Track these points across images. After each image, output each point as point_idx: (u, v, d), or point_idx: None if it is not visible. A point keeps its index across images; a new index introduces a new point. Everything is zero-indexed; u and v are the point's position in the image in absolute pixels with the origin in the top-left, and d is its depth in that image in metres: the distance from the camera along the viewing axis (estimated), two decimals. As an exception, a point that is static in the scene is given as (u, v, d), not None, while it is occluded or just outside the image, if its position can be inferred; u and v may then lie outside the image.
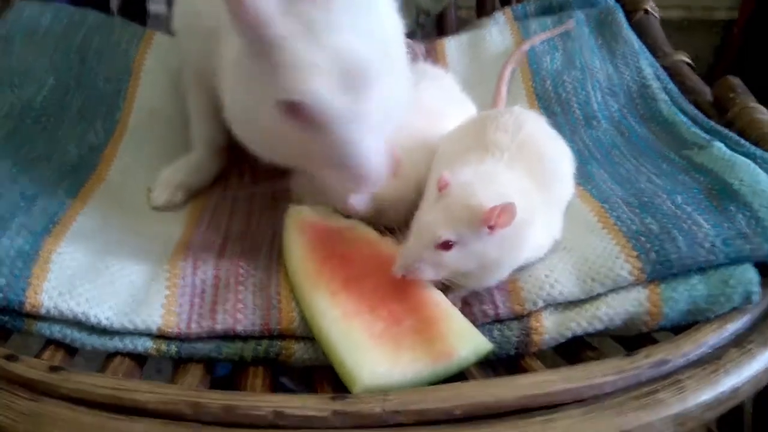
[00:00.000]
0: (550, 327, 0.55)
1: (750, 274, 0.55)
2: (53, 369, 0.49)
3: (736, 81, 0.78)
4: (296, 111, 0.50)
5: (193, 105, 0.76)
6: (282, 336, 0.55)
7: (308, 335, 0.54)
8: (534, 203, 0.56)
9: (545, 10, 0.95)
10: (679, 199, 0.61)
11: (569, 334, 0.55)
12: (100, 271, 0.56)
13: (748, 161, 0.63)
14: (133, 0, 1.00)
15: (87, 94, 0.76)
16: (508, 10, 0.96)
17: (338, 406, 0.47)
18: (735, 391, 0.51)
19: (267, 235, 0.65)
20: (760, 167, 0.62)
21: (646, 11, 0.94)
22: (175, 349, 0.54)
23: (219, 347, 0.54)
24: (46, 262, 0.54)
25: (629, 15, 0.92)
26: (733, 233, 0.56)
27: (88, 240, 0.59)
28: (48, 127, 0.70)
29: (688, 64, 0.86)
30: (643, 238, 0.56)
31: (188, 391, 0.48)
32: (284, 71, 0.49)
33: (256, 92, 0.53)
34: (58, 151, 0.69)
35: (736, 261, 0.55)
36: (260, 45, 0.49)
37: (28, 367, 0.49)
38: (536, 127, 0.64)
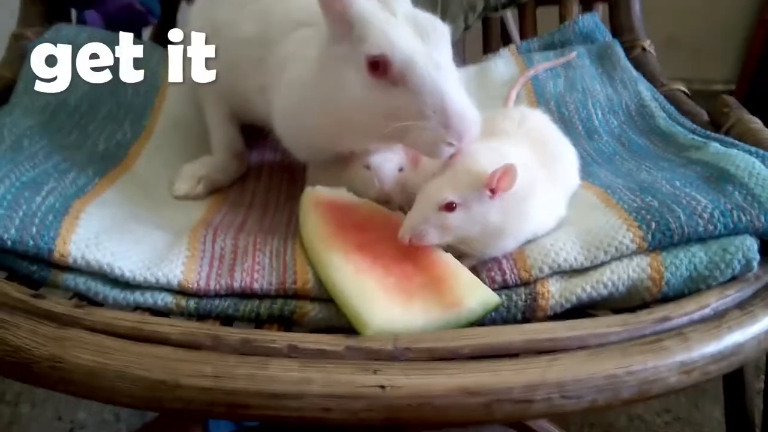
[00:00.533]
0: (555, 292, 0.56)
1: (749, 242, 0.57)
2: (78, 306, 0.51)
3: (730, 98, 0.82)
4: (385, 66, 0.56)
5: (211, 114, 0.81)
6: (297, 296, 0.56)
7: (322, 296, 0.56)
8: (536, 177, 0.59)
9: (547, 47, 1.01)
10: (677, 183, 0.63)
11: (574, 299, 0.56)
12: (125, 232, 0.58)
13: (744, 153, 0.66)
14: (162, 32, 1.06)
15: (117, 101, 0.80)
16: (512, 46, 1.02)
17: (351, 342, 0.49)
18: (739, 346, 0.53)
19: (284, 218, 0.69)
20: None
21: (644, 48, 1.00)
22: (194, 305, 0.55)
23: (236, 304, 0.56)
24: (75, 218, 0.57)
25: (627, 52, 0.97)
26: (730, 206, 0.58)
27: (114, 209, 0.62)
28: (81, 122, 0.75)
29: (683, 92, 0.91)
30: (644, 212, 0.59)
31: (208, 325, 0.50)
32: (368, 35, 0.56)
33: (339, 72, 0.58)
34: (88, 142, 0.73)
35: (734, 231, 0.58)
36: (346, 25, 0.57)
37: (54, 303, 0.51)
38: (541, 119, 0.68)
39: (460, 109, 0.56)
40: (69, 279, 0.55)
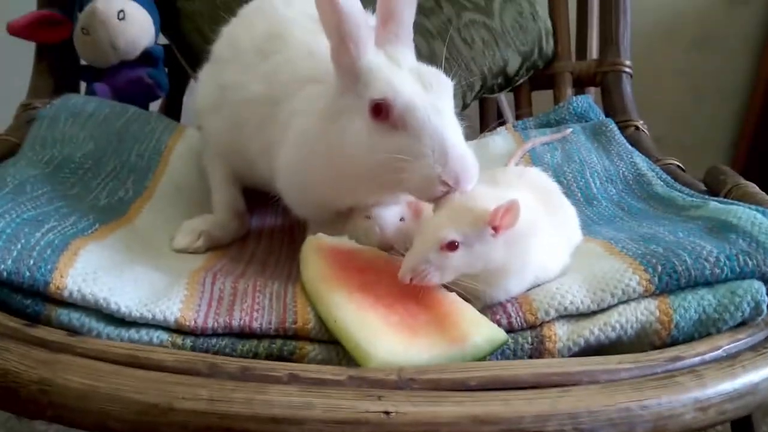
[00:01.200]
0: (563, 335, 0.55)
1: (757, 285, 0.57)
2: (71, 335, 0.49)
3: (724, 167, 0.84)
4: (387, 110, 0.57)
5: (213, 174, 0.83)
6: (297, 336, 0.55)
7: (323, 338, 0.54)
8: (539, 218, 0.59)
9: (543, 126, 1.04)
10: (680, 234, 0.63)
11: (582, 342, 0.55)
12: (124, 271, 0.57)
13: (744, 207, 0.67)
14: (171, 106, 1.09)
15: (121, 161, 0.81)
16: (509, 124, 1.05)
17: (354, 372, 0.47)
18: (754, 386, 0.51)
19: (285, 272, 0.68)
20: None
21: (637, 128, 1.03)
22: (190, 343, 0.53)
23: (234, 343, 0.54)
24: (74, 254, 0.56)
25: (621, 131, 1.00)
26: (735, 251, 0.58)
27: (114, 252, 0.61)
28: (84, 177, 0.75)
29: (679, 166, 0.93)
30: (649, 256, 0.59)
31: (206, 354, 0.48)
32: (372, 82, 0.59)
33: (344, 121, 0.60)
34: (90, 196, 0.73)
35: (741, 276, 0.57)
36: (353, 76, 0.60)
37: (47, 331, 0.49)
38: (540, 173, 0.69)
39: (459, 152, 0.57)
40: (63, 314, 0.53)
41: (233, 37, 0.79)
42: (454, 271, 0.55)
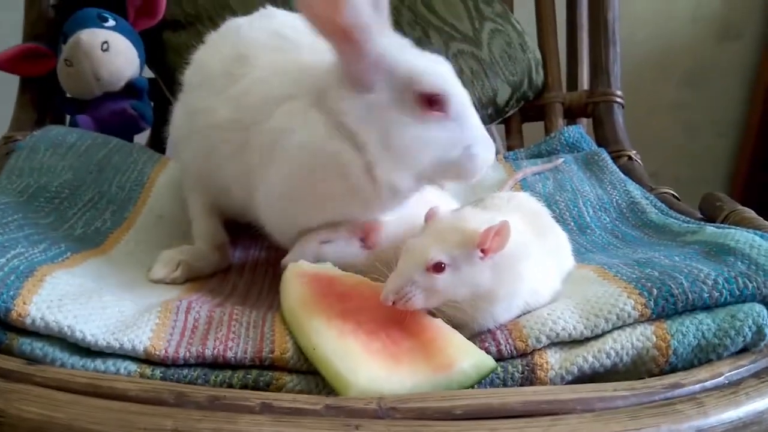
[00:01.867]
0: (555, 363, 0.52)
1: (758, 308, 0.54)
2: (31, 363, 0.46)
3: (720, 194, 0.82)
4: (442, 102, 0.60)
5: (192, 206, 0.79)
6: (274, 367, 0.52)
7: (301, 368, 0.51)
8: (528, 241, 0.57)
9: (534, 156, 1.02)
10: (677, 258, 0.61)
11: (576, 371, 0.52)
12: (92, 299, 0.54)
13: (742, 231, 0.64)
14: (156, 138, 1.07)
15: (101, 191, 0.79)
16: (500, 155, 1.03)
17: (331, 401, 0.44)
18: (759, 415, 0.48)
19: (266, 304, 0.65)
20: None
21: (630, 158, 1.01)
22: (160, 374, 0.50)
23: (206, 374, 0.51)
24: (39, 281, 0.53)
25: (614, 161, 0.98)
26: (734, 273, 0.55)
27: (84, 279, 0.58)
28: (60, 207, 0.73)
29: (673, 195, 0.91)
30: (644, 280, 0.56)
31: (172, 383, 0.45)
32: (417, 74, 0.59)
33: (384, 116, 0.60)
34: (65, 225, 0.70)
35: (741, 299, 0.54)
36: (380, 72, 0.59)
37: (4, 360, 0.46)
38: (529, 198, 0.67)
39: (486, 134, 0.63)
40: (25, 343, 0.50)
41: (201, 63, 0.76)
42: (439, 295, 0.52)
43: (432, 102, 0.59)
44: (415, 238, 0.54)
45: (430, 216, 0.56)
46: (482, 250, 0.52)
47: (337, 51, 0.59)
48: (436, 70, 0.61)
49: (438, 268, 0.51)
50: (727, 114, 1.79)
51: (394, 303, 0.51)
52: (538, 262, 0.57)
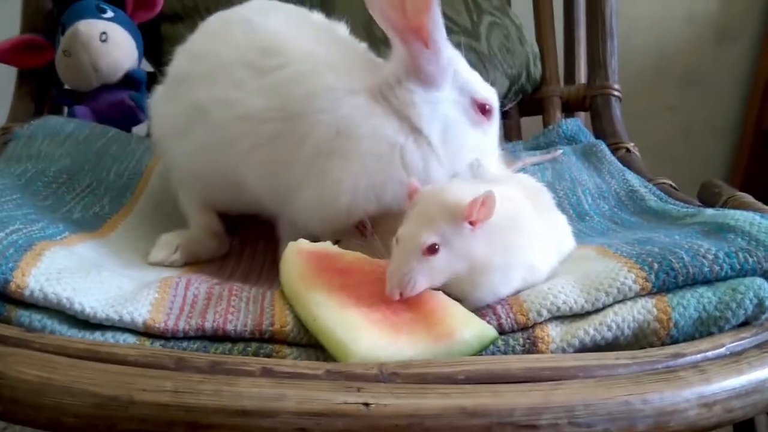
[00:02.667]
0: (556, 336, 0.52)
1: (759, 281, 0.54)
2: (29, 330, 0.46)
3: (717, 181, 0.82)
4: (488, 110, 0.66)
5: (187, 203, 0.77)
6: (273, 339, 0.51)
7: (302, 341, 0.51)
8: (525, 213, 0.57)
9: (533, 148, 1.02)
10: (677, 237, 0.61)
11: (577, 343, 0.52)
12: (91, 273, 0.54)
13: (741, 211, 0.64)
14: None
15: (99, 178, 0.79)
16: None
17: (332, 366, 0.44)
18: (762, 383, 0.48)
19: (267, 284, 0.65)
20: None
21: (628, 150, 1.01)
22: (160, 347, 0.50)
23: (206, 347, 0.50)
24: (38, 254, 0.53)
25: (612, 153, 0.99)
26: (735, 248, 0.55)
27: (82, 257, 0.58)
28: (58, 191, 0.72)
29: (671, 185, 0.91)
30: (644, 255, 0.56)
31: (172, 350, 0.45)
32: (473, 83, 0.66)
33: (449, 114, 0.64)
34: (63, 209, 0.70)
35: (742, 273, 0.54)
36: (447, 72, 0.64)
37: (4, 328, 0.46)
38: (530, 178, 0.67)
39: None
40: (24, 315, 0.50)
41: (204, 54, 0.72)
42: (441, 273, 0.52)
43: (484, 110, 0.65)
44: (403, 226, 0.53)
45: (412, 193, 0.55)
46: (470, 222, 0.52)
47: (411, 49, 0.61)
48: (485, 82, 0.67)
49: (432, 250, 0.51)
50: (723, 116, 1.79)
51: (401, 295, 0.51)
52: (537, 236, 0.57)
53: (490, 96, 0.66)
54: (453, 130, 0.64)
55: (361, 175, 0.63)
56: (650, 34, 1.69)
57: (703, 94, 1.75)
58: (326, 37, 0.70)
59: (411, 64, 0.62)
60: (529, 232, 0.56)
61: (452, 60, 0.64)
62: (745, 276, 0.54)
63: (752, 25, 1.70)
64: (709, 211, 0.68)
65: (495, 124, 0.67)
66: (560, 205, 0.83)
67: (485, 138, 0.66)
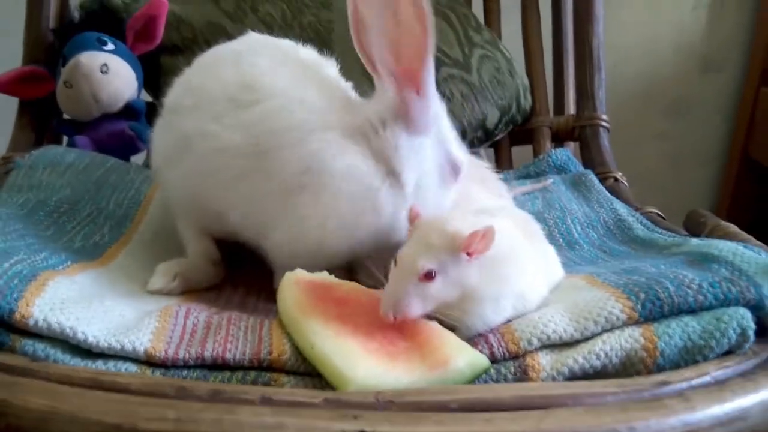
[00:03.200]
0: (546, 365, 0.53)
1: (742, 311, 0.55)
2: (34, 360, 0.47)
3: (702, 211, 0.84)
4: (458, 170, 0.68)
5: (184, 230, 0.78)
6: (271, 368, 0.53)
7: (299, 370, 0.52)
8: (517, 245, 0.58)
9: (523, 178, 1.05)
10: (662, 266, 0.63)
11: (566, 372, 0.53)
12: (93, 303, 0.56)
13: (725, 241, 0.66)
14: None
15: (98, 207, 0.80)
16: (490, 177, 1.05)
17: (330, 395, 0.45)
18: (745, 411, 0.49)
19: (264, 313, 0.66)
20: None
21: (616, 179, 1.04)
22: (161, 375, 0.52)
23: (205, 375, 0.52)
24: (42, 285, 0.54)
25: (600, 182, 1.01)
26: (718, 278, 0.57)
27: (84, 286, 0.59)
28: (59, 221, 0.74)
29: (658, 214, 0.93)
30: (631, 285, 0.58)
31: (173, 379, 0.46)
32: (450, 141, 0.68)
33: (425, 161, 0.66)
34: (65, 238, 0.72)
35: (725, 303, 0.56)
36: (427, 118, 0.65)
37: (9, 357, 0.47)
38: (520, 210, 0.69)
39: None
40: (28, 345, 0.51)
41: (194, 87, 0.74)
42: (434, 300, 0.54)
43: (455, 169, 0.67)
44: (403, 249, 0.55)
45: (413, 218, 0.57)
46: (468, 252, 0.54)
47: (402, 94, 0.62)
48: (461, 143, 0.69)
49: (429, 276, 0.53)
50: (710, 144, 1.83)
51: (395, 318, 0.53)
52: (526, 267, 0.59)
53: (463, 158, 0.68)
54: (426, 181, 0.65)
55: (331, 213, 0.63)
56: (639, 63, 1.72)
57: (690, 123, 1.78)
58: (308, 75, 0.70)
59: (400, 109, 0.63)
60: (521, 263, 0.58)
61: (438, 113, 0.66)
62: (728, 305, 0.56)
63: (737, 56, 1.74)
64: (695, 240, 0.70)
65: (458, 187, 0.69)
66: (550, 234, 0.85)
67: (448, 196, 0.68)
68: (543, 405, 0.46)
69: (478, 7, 1.24)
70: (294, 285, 0.60)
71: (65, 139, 1.01)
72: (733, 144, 1.79)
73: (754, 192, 1.74)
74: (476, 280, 0.54)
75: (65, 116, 1.01)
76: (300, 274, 0.62)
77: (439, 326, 0.54)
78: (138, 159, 1.04)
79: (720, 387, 0.50)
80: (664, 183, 1.83)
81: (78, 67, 0.93)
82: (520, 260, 0.57)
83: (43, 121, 1.01)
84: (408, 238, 0.57)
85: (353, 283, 0.61)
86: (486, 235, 0.52)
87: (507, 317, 0.57)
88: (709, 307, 0.56)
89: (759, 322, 0.58)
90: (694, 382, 0.51)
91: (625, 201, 0.96)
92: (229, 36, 1.01)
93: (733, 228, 0.77)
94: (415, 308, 0.53)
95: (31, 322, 0.51)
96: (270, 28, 1.03)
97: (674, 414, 0.46)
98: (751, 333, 0.55)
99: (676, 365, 0.54)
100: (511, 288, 0.56)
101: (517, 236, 0.59)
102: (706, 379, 0.52)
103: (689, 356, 0.55)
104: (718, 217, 0.81)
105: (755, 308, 0.57)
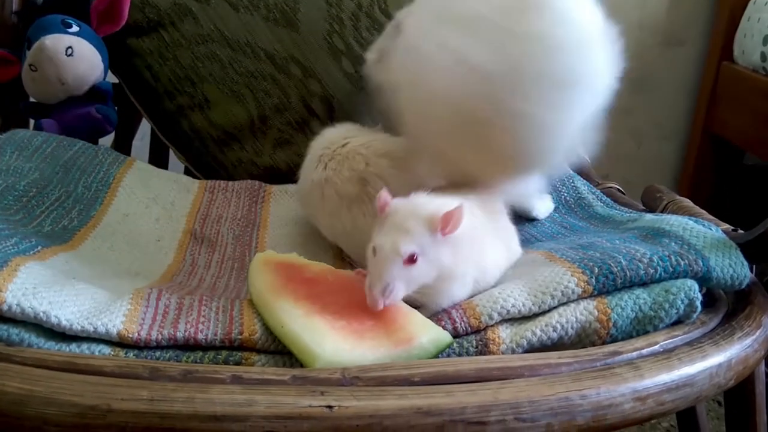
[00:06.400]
0: (506, 338, 0.56)
1: (690, 283, 0.59)
2: (9, 345, 0.48)
3: (659, 186, 0.87)
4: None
5: None
6: (242, 347, 0.54)
7: (269, 348, 0.54)
8: (479, 222, 0.61)
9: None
10: (617, 241, 0.66)
11: (525, 343, 0.56)
12: (66, 287, 0.57)
13: (677, 216, 0.69)
14: (122, 142, 1.10)
15: (67, 191, 0.81)
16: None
17: (297, 372, 0.47)
18: (691, 378, 0.52)
19: (234, 292, 0.68)
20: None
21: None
22: (133, 356, 0.53)
23: (178, 356, 0.53)
24: (13, 270, 0.55)
25: (564, 159, 1.03)
26: (668, 252, 0.60)
27: (56, 270, 0.60)
28: (28, 205, 0.74)
29: (618, 189, 0.96)
30: (587, 260, 0.60)
31: (146, 360, 0.48)
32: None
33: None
34: (34, 223, 0.72)
35: (674, 275, 0.59)
36: None
37: (-17, 342, 0.48)
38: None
39: None
40: (2, 330, 0.52)
41: None
42: (416, 282, 0.56)
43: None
44: (380, 237, 0.57)
45: (383, 207, 0.59)
46: (442, 233, 0.56)
47: None
48: None
49: (412, 259, 0.55)
50: (672, 118, 1.86)
51: (384, 305, 0.54)
52: (488, 244, 0.62)
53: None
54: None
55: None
56: (602, 39, 1.74)
57: (653, 97, 1.81)
58: None
59: None
60: (483, 240, 0.60)
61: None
62: (677, 278, 0.59)
63: (699, 30, 1.77)
64: (649, 216, 0.73)
65: None
66: (513, 212, 0.88)
67: None
68: (501, 377, 0.49)
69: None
70: (264, 266, 0.61)
71: (32, 122, 1.01)
72: (695, 118, 1.82)
73: (715, 166, 1.78)
74: (449, 259, 0.56)
75: (31, 99, 1.00)
76: (270, 255, 0.64)
77: (404, 305, 0.56)
78: (106, 141, 1.04)
79: (668, 355, 0.53)
80: (628, 157, 1.86)
81: (43, 50, 0.93)
82: (482, 238, 0.60)
83: (8, 104, 1.01)
84: (380, 226, 0.58)
85: (322, 264, 0.63)
86: (456, 214, 0.55)
87: (469, 292, 0.60)
88: (659, 280, 0.59)
89: (707, 293, 0.61)
90: (644, 351, 0.54)
91: (587, 176, 0.99)
92: (195, 17, 1.02)
93: (687, 203, 0.80)
94: (400, 292, 0.55)
95: (5, 307, 0.52)
96: (236, 9, 1.03)
97: (624, 382, 0.49)
98: (698, 304, 0.58)
99: (628, 335, 0.58)
100: (476, 264, 0.59)
101: (478, 215, 0.61)
102: (656, 348, 0.55)
103: (640, 327, 0.58)
104: (680, 190, 0.84)
105: (703, 280, 0.60)
